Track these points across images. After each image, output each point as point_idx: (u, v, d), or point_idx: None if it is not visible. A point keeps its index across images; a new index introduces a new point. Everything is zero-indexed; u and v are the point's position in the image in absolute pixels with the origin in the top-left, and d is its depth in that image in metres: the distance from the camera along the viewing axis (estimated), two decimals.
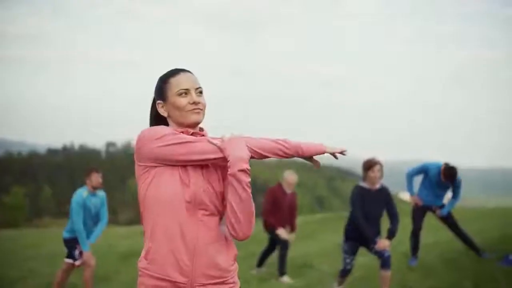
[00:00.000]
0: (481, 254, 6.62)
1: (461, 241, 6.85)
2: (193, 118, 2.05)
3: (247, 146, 2.00)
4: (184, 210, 1.98)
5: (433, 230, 8.63)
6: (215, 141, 2.00)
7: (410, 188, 6.87)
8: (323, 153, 2.11)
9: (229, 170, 1.95)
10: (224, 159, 1.99)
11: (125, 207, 55.40)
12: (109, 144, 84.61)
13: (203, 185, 2.01)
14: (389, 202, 5.35)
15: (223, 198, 2.06)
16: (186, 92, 2.05)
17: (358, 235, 5.29)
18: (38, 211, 58.33)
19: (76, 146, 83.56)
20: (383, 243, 5.16)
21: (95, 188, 6.00)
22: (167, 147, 1.96)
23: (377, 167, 5.24)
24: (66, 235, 6.04)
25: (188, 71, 2.11)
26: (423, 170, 6.77)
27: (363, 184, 5.35)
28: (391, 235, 5.25)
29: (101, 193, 6.16)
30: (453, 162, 6.62)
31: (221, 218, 2.07)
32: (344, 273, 5.56)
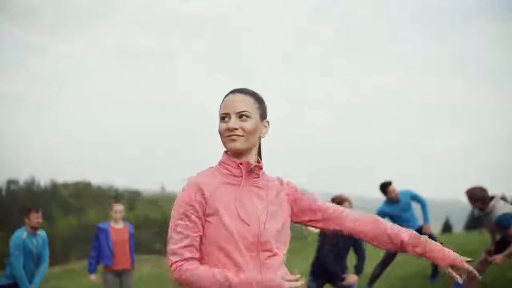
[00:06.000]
0: (433, 278, 6.88)
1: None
2: (229, 145, 1.87)
3: None
4: (244, 252, 1.78)
5: (376, 259, 8.81)
6: (219, 276, 1.73)
7: None
8: None
9: None
10: None
11: None
12: (10, 182, 79.41)
13: (266, 222, 1.84)
14: (356, 239, 5.21)
15: (286, 236, 1.92)
16: (226, 116, 1.86)
17: (325, 272, 5.23)
18: None
19: None
20: (351, 277, 5.15)
21: (35, 228, 5.57)
22: (171, 223, 1.83)
23: (345, 204, 5.12)
24: (4, 281, 5.55)
25: (240, 92, 1.89)
26: (380, 215, 6.86)
27: None
28: (358, 271, 5.24)
29: (42, 233, 5.73)
30: (378, 192, 6.79)
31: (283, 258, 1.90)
32: None
